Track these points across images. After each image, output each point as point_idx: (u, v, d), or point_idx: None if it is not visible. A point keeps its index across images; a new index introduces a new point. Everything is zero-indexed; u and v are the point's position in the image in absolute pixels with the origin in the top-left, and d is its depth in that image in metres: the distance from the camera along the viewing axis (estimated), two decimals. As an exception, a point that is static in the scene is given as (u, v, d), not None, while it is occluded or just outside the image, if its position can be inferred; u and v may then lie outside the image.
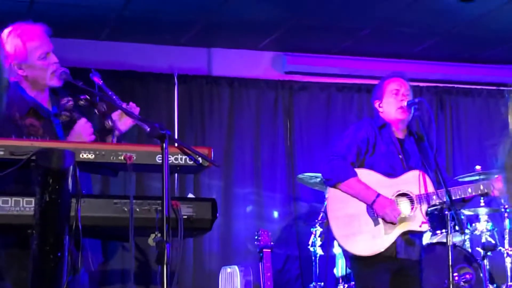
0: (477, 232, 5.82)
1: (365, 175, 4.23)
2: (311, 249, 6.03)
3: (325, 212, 4.71)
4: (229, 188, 6.87)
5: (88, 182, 3.38)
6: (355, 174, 4.20)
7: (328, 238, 5.87)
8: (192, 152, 2.98)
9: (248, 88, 7.07)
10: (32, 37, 3.34)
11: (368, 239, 4.18)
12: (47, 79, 3.37)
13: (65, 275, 2.76)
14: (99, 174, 3.83)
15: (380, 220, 4.18)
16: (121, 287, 6.38)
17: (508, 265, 5.76)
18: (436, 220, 5.45)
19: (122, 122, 3.45)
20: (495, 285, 5.85)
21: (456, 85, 7.57)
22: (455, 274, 5.29)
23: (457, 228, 4.75)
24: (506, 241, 5.81)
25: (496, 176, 4.41)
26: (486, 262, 5.60)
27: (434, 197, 4.22)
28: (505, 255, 5.79)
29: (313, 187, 6.35)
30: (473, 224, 5.87)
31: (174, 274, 2.80)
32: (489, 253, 5.63)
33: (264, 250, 5.64)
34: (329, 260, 6.11)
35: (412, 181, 4.27)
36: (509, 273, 5.74)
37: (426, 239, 5.44)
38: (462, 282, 5.34)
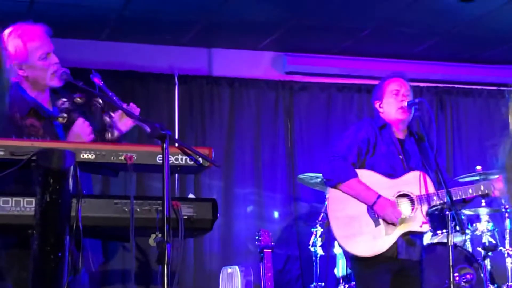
0: (477, 232, 5.82)
1: (366, 175, 4.23)
2: (312, 249, 6.03)
3: (326, 213, 4.71)
4: (229, 188, 6.87)
5: (88, 182, 3.38)
6: (355, 175, 4.20)
7: (328, 239, 5.87)
8: (192, 152, 2.98)
9: (249, 88, 7.07)
10: (33, 37, 3.34)
11: (368, 239, 4.18)
12: (47, 80, 3.37)
13: (66, 275, 2.76)
14: (100, 174, 3.82)
15: (380, 220, 4.18)
16: (122, 288, 6.39)
17: (509, 265, 5.75)
18: (437, 220, 5.44)
19: (123, 122, 3.45)
20: (495, 285, 5.84)
21: (456, 85, 7.57)
22: (456, 274, 5.28)
23: (457, 228, 4.74)
24: (507, 241, 5.81)
25: (496, 176, 4.41)
26: (486, 262, 5.60)
27: (435, 197, 4.22)
28: (505, 255, 5.78)
29: (314, 187, 6.35)
30: (474, 224, 5.87)
31: (174, 274, 2.80)
32: (489, 253, 5.63)
33: (264, 250, 5.64)
34: (329, 260, 6.10)
35: (413, 181, 4.27)
36: (509, 273, 5.73)
37: (427, 239, 5.44)
38: (462, 282, 5.33)
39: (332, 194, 4.29)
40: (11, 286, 3.06)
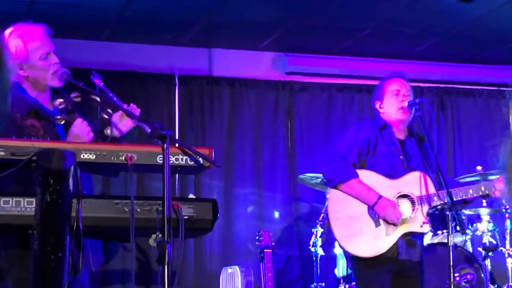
0: (478, 233, 5.82)
1: (366, 176, 4.23)
2: (312, 249, 6.03)
3: (326, 213, 4.71)
4: (229, 188, 6.87)
5: (89, 183, 3.38)
6: (356, 175, 4.20)
7: (329, 239, 5.87)
8: (193, 152, 2.98)
9: (249, 88, 7.07)
10: (33, 37, 3.34)
11: (369, 240, 4.17)
12: (48, 80, 3.37)
13: (66, 276, 2.76)
14: (100, 175, 3.82)
15: (381, 221, 4.18)
16: (122, 288, 6.39)
17: (509, 266, 5.76)
18: (437, 220, 5.45)
19: (123, 123, 3.44)
20: (496, 286, 5.84)
21: (456, 86, 7.56)
22: (456, 274, 5.28)
23: (458, 228, 4.75)
24: (507, 242, 5.81)
25: (497, 176, 4.41)
26: (487, 262, 5.60)
27: (435, 198, 4.22)
28: (506, 255, 5.78)
29: (314, 188, 6.34)
30: (474, 225, 5.87)
31: (175, 275, 2.80)
32: (490, 254, 5.63)
33: (265, 250, 5.64)
34: (330, 260, 6.10)
35: (413, 182, 4.26)
36: (510, 274, 5.73)
37: (427, 239, 5.44)
38: (463, 283, 5.33)
39: (333, 195, 4.28)
40: (11, 286, 3.06)
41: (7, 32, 3.31)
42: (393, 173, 4.27)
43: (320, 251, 5.99)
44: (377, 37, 6.68)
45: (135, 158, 2.91)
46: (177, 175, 6.30)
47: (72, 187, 2.78)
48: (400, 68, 6.79)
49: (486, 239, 5.78)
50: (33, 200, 2.74)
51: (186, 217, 2.92)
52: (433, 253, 5.25)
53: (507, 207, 5.74)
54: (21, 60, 3.32)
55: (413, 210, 4.23)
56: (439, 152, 4.99)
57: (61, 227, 2.74)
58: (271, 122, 7.08)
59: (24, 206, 2.75)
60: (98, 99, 3.25)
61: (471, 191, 4.25)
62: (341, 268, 5.99)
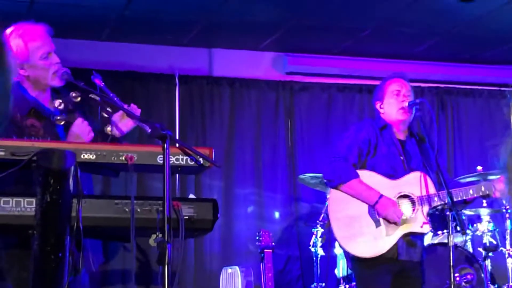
0: (478, 233, 5.82)
1: (367, 176, 4.23)
2: (312, 249, 6.02)
3: (326, 213, 4.70)
4: (230, 188, 6.87)
5: (89, 183, 3.37)
6: (357, 176, 4.20)
7: (329, 239, 5.86)
8: (193, 152, 2.98)
9: (249, 88, 7.07)
10: (34, 37, 3.34)
11: (369, 240, 4.17)
12: (48, 79, 3.37)
13: (66, 276, 2.76)
14: (100, 175, 3.82)
15: (381, 221, 4.18)
16: (122, 288, 6.39)
17: (510, 266, 5.75)
18: (438, 220, 5.44)
19: (123, 123, 3.44)
20: (496, 286, 5.84)
21: (457, 86, 7.56)
22: (457, 274, 5.28)
23: (458, 228, 4.74)
24: (508, 242, 5.80)
25: (497, 177, 4.41)
26: (487, 262, 5.60)
27: (436, 198, 4.22)
28: (506, 255, 5.78)
29: (314, 188, 6.34)
30: (475, 225, 5.87)
31: (175, 275, 2.79)
32: (490, 254, 5.63)
33: (265, 250, 5.64)
34: (330, 260, 6.10)
35: (414, 182, 4.26)
36: (510, 274, 5.73)
37: (428, 239, 5.44)
38: (463, 283, 5.33)
39: (333, 195, 4.28)
40: (11, 286, 3.06)
41: (8, 31, 3.31)
42: (393, 174, 4.27)
43: (320, 251, 5.99)
44: (377, 37, 6.68)
45: (135, 158, 2.91)
46: (177, 175, 6.30)
47: (72, 187, 2.78)
48: (400, 68, 6.79)
49: (487, 239, 5.78)
50: (33, 200, 2.73)
51: (186, 217, 2.92)
52: (433, 253, 5.24)
53: (507, 207, 5.74)
54: (22, 59, 3.32)
55: (413, 210, 4.22)
56: (440, 152, 4.98)
57: (61, 227, 2.74)
58: (271, 122, 7.08)
59: (24, 206, 2.74)
60: (99, 99, 3.24)
61: (471, 191, 4.25)
62: (341, 269, 5.98)
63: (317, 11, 6.04)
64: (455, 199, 4.13)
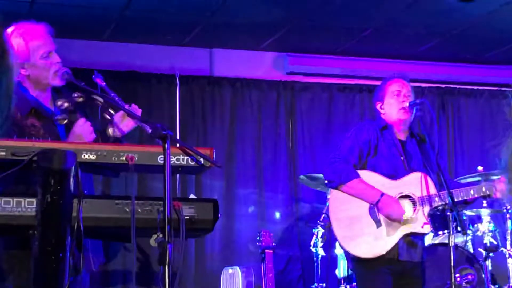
0: (479, 233, 5.81)
1: (368, 177, 4.22)
2: (313, 250, 6.02)
3: (327, 213, 4.70)
4: (231, 188, 6.86)
5: (90, 183, 3.37)
6: (357, 176, 4.20)
7: (330, 239, 5.86)
8: (194, 152, 2.98)
9: (250, 88, 7.07)
10: (35, 36, 3.34)
11: (370, 241, 4.17)
12: (49, 79, 3.36)
13: (67, 276, 2.75)
14: (101, 175, 3.82)
15: (382, 222, 4.18)
16: (123, 288, 6.39)
17: (510, 266, 5.74)
18: (438, 221, 5.44)
19: (124, 123, 3.44)
20: (497, 286, 5.84)
21: (458, 86, 7.56)
22: (457, 275, 5.28)
23: (459, 229, 4.74)
24: (508, 242, 5.80)
25: (498, 177, 4.40)
26: (488, 263, 5.59)
27: (436, 199, 4.22)
28: (507, 256, 5.77)
29: (315, 188, 6.34)
30: (475, 225, 5.87)
31: (175, 275, 2.79)
32: (491, 254, 5.63)
33: (266, 251, 5.63)
34: (331, 261, 6.09)
35: (414, 183, 4.26)
36: (511, 274, 5.72)
37: (428, 240, 5.43)
38: (464, 283, 5.32)
39: (334, 195, 4.28)
40: (12, 286, 3.06)
41: (9, 30, 3.31)
42: (394, 174, 4.27)
43: (321, 252, 5.99)
44: (378, 37, 6.68)
45: (136, 158, 2.91)
46: (178, 175, 6.30)
47: (73, 187, 2.78)
48: (401, 68, 6.79)
49: (487, 239, 5.77)
50: (34, 200, 2.73)
51: (187, 217, 2.92)
52: (434, 253, 5.24)
53: (508, 207, 5.73)
54: (23, 59, 3.32)
55: (414, 210, 4.22)
56: (440, 152, 4.98)
57: (62, 228, 2.74)
58: (272, 122, 7.08)
59: (25, 207, 2.74)
60: (100, 99, 3.24)
61: (472, 192, 4.25)
62: (342, 269, 5.98)
63: (318, 11, 6.04)
64: (455, 200, 4.13)
